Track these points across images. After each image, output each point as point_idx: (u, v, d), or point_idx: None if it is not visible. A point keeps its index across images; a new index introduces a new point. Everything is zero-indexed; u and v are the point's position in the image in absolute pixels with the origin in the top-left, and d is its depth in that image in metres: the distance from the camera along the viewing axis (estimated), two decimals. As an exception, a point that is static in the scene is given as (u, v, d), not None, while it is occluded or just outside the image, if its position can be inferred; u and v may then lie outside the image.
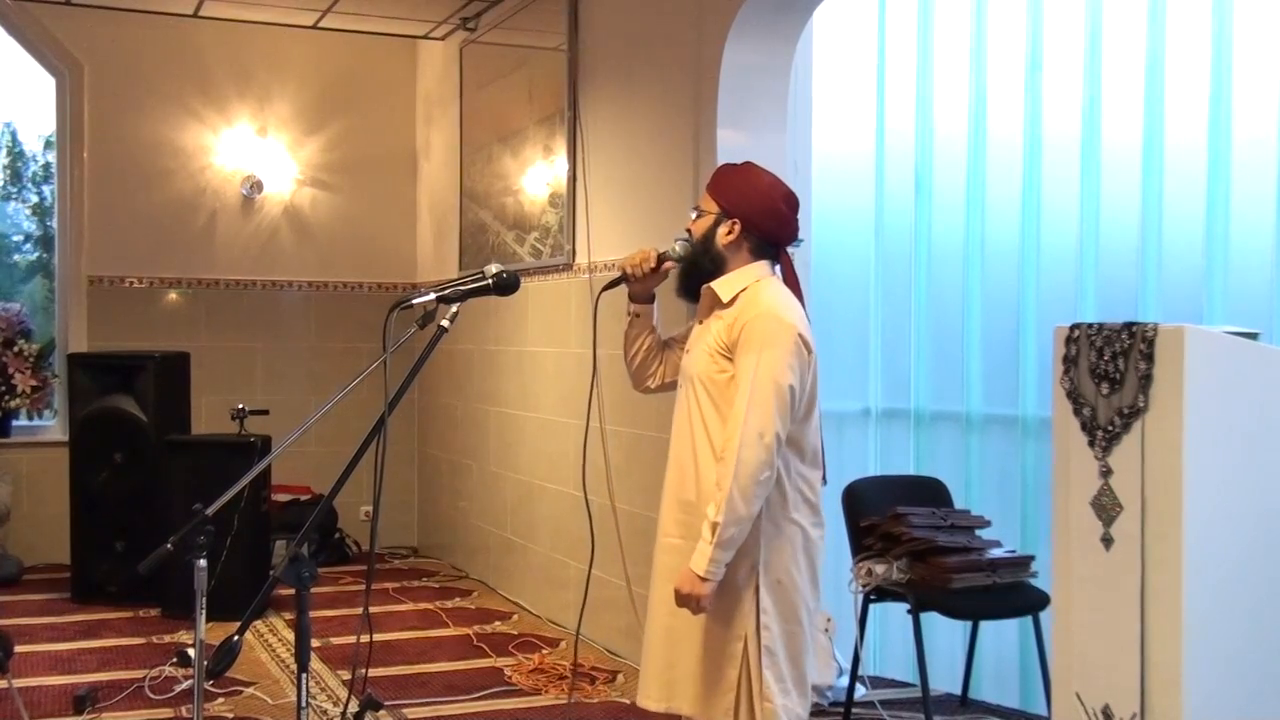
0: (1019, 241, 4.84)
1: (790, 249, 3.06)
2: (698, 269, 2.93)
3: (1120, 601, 2.69)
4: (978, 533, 4.43)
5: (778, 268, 2.99)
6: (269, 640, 5.43)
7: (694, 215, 2.99)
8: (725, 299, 2.88)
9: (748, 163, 3.04)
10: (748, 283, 2.89)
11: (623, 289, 3.09)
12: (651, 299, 3.11)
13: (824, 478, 2.97)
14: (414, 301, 2.64)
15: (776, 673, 2.83)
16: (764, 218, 2.91)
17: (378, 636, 5.49)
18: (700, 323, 2.98)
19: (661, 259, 2.99)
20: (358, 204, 7.75)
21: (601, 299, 3.14)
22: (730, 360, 2.83)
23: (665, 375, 3.14)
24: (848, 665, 4.57)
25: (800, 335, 2.81)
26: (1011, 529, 4.73)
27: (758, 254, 2.93)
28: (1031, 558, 4.35)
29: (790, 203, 2.97)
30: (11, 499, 6.83)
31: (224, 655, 2.43)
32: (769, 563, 2.84)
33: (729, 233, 2.89)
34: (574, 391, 5.67)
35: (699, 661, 2.87)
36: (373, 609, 6.03)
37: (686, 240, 2.98)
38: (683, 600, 2.78)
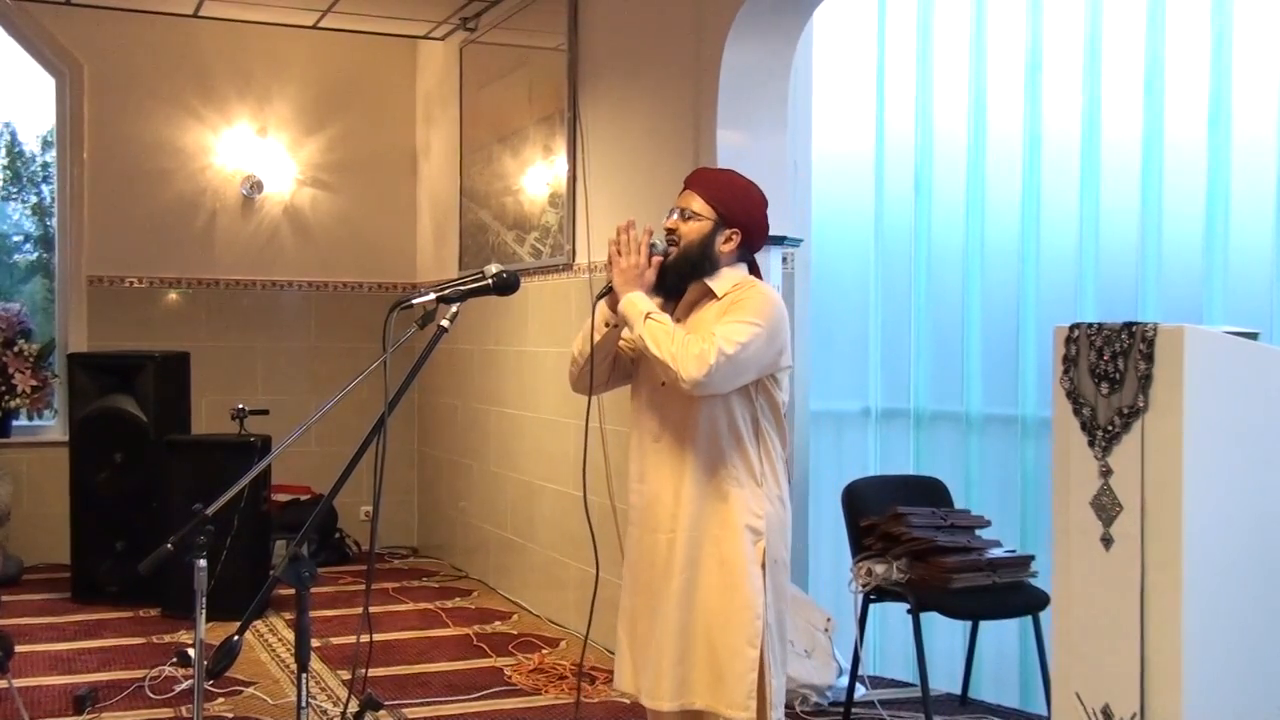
0: (1019, 241, 4.84)
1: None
2: (696, 271, 2.97)
3: (1120, 601, 2.69)
4: (978, 533, 4.43)
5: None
6: (269, 640, 5.43)
7: (676, 215, 3.00)
8: (721, 294, 2.94)
9: (732, 171, 3.12)
10: (739, 279, 2.98)
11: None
12: None
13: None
14: (414, 301, 2.63)
15: (775, 653, 2.89)
16: (759, 231, 3.06)
17: (378, 636, 5.49)
18: (679, 321, 2.98)
19: (651, 256, 2.97)
20: (358, 204, 7.75)
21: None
22: None
23: (616, 379, 3.19)
24: (848, 665, 4.57)
25: (779, 309, 2.89)
26: (1011, 529, 4.73)
27: (743, 258, 3.05)
28: (1031, 558, 4.35)
29: (766, 208, 3.11)
30: (11, 499, 6.83)
31: (224, 655, 2.43)
32: (771, 542, 2.91)
33: (728, 241, 2.97)
34: (573, 391, 5.66)
35: (715, 650, 2.88)
36: (373, 609, 6.03)
37: (670, 240, 2.98)
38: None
